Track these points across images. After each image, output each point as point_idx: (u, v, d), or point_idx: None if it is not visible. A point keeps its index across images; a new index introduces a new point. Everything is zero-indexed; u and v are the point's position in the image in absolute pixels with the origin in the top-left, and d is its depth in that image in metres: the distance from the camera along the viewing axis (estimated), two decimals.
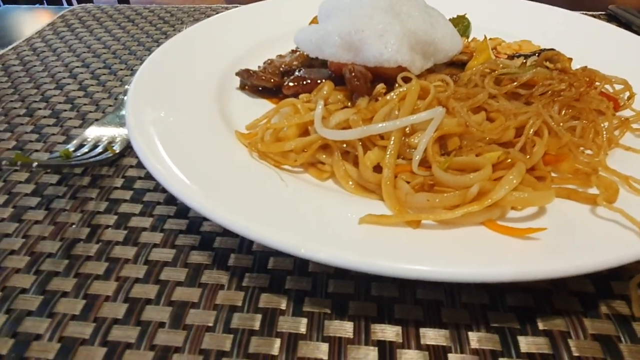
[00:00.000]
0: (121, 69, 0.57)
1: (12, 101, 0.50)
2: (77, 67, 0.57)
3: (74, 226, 0.34)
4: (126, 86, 0.50)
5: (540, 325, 0.27)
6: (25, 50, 0.61)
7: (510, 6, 0.61)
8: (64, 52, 0.61)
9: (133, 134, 0.35)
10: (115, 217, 0.35)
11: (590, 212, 0.29)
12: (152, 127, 0.36)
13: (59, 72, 0.56)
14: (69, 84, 0.53)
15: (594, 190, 0.31)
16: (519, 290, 0.28)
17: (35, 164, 0.35)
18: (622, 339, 0.26)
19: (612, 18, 0.69)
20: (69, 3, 4.27)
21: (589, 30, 0.54)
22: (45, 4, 3.86)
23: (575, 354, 0.25)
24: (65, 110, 0.48)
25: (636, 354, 0.25)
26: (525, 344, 0.26)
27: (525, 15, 0.59)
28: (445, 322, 0.27)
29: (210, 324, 0.27)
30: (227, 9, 0.75)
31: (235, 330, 0.27)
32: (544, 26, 0.56)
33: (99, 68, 0.57)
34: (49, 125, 0.46)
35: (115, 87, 0.53)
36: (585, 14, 0.70)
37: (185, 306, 0.28)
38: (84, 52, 0.61)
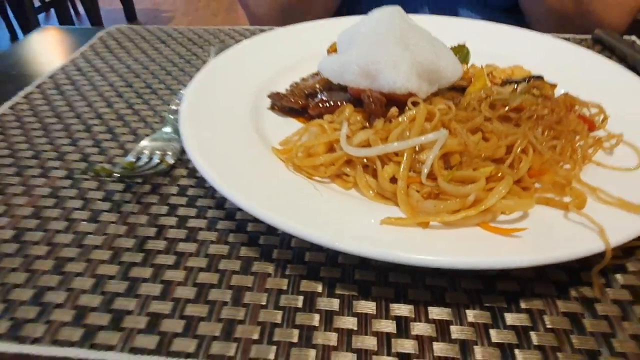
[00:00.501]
0: (160, 89, 0.64)
1: (69, 118, 0.58)
2: (121, 86, 0.65)
3: (142, 226, 0.41)
4: (171, 106, 0.57)
5: (523, 305, 0.34)
6: (72, 70, 0.69)
7: (505, 33, 0.68)
8: (107, 71, 0.69)
9: (193, 154, 0.42)
10: (176, 219, 0.42)
11: (564, 216, 0.36)
12: (205, 145, 0.43)
13: (107, 91, 0.63)
14: (117, 102, 0.61)
15: (569, 199, 0.38)
16: (506, 278, 0.36)
17: (115, 174, 0.43)
18: (585, 315, 0.33)
19: (597, 42, 0.77)
20: (76, 12, 4.34)
21: (574, 56, 0.61)
22: (54, 13, 3.91)
23: (549, 326, 0.33)
24: (118, 127, 0.56)
25: (596, 326, 0.32)
26: (510, 319, 0.33)
27: (519, 41, 0.67)
28: (448, 302, 0.34)
29: (263, 303, 0.34)
30: (248, 30, 0.82)
31: (283, 308, 0.34)
32: (534, 52, 0.64)
33: (141, 87, 0.64)
34: (106, 140, 0.53)
35: (158, 105, 0.60)
36: (574, 37, 0.78)
37: (242, 289, 0.35)
38: (125, 72, 0.68)
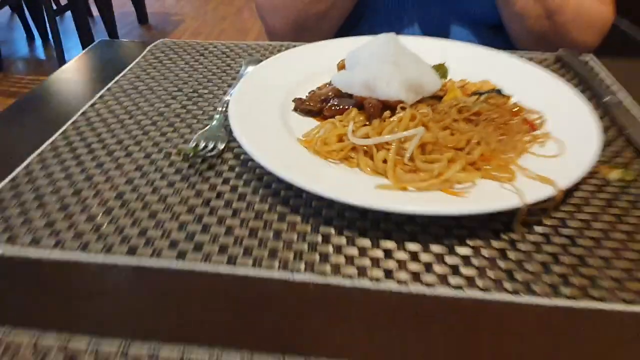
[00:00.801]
0: (205, 93, 0.81)
1: (138, 115, 0.75)
2: (174, 90, 0.82)
3: (206, 191, 0.58)
4: (217, 107, 0.74)
5: (469, 244, 0.51)
6: (132, 77, 0.86)
7: (479, 54, 0.85)
8: (161, 78, 0.86)
9: (242, 141, 0.59)
10: (229, 187, 0.59)
11: (500, 186, 0.53)
12: (249, 135, 0.60)
13: (163, 94, 0.80)
14: (172, 103, 0.78)
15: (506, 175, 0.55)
16: (460, 227, 0.52)
17: (191, 154, 0.60)
18: (510, 250, 0.50)
19: (558, 60, 0.93)
20: (90, 15, 4.50)
21: (530, 74, 0.78)
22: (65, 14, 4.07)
23: (485, 255, 0.49)
24: (177, 122, 0.73)
25: (516, 256, 0.49)
26: (459, 251, 0.50)
27: (490, 61, 0.83)
28: (419, 241, 0.51)
29: (294, 239, 0.51)
30: (271, 45, 0.99)
31: (308, 242, 0.51)
32: (501, 70, 0.80)
33: (189, 92, 0.81)
34: (169, 132, 0.70)
35: (205, 106, 0.77)
36: (538, 56, 0.95)
37: (279, 231, 0.52)
38: (175, 79, 0.85)
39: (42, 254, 0.49)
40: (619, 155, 0.64)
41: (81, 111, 0.75)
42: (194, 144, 0.65)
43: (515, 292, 0.46)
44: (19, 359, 0.39)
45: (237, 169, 0.62)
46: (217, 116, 0.72)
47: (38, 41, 4.22)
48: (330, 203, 0.54)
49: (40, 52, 4.17)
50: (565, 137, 0.62)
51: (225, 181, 0.60)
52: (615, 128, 0.71)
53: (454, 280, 0.47)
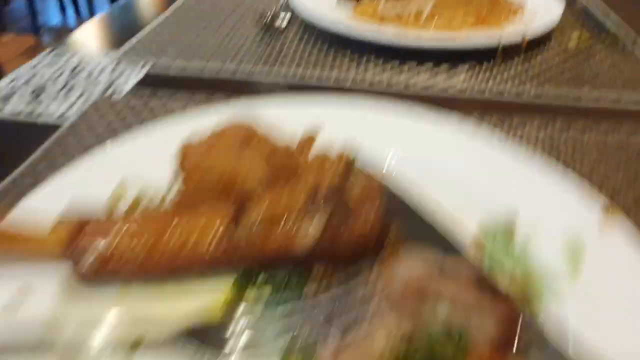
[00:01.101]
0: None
1: (213, 12, 0.99)
2: (232, 8, 1.05)
3: (280, 44, 0.82)
4: (267, 15, 0.98)
5: (467, 68, 0.75)
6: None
7: None
8: None
9: (304, 14, 0.83)
10: (297, 40, 0.83)
11: (489, 31, 0.77)
12: (310, 11, 0.85)
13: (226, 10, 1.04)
14: (241, 4, 1.02)
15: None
16: (462, 60, 0.76)
17: (264, 26, 0.85)
18: (494, 69, 0.74)
19: None
20: None
21: None
22: None
23: (475, 75, 0.73)
24: (249, 13, 0.97)
25: (497, 70, 0.73)
26: (459, 73, 0.74)
27: None
28: (433, 66, 0.75)
29: (344, 65, 0.75)
30: None
31: (332, 65, 0.75)
32: None
33: (244, 12, 1.05)
34: (247, 16, 0.94)
35: (265, 13, 1.01)
36: None
37: (317, 62, 0.77)
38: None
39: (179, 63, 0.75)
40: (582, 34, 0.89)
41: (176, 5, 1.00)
42: (266, 20, 0.90)
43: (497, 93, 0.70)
44: None
45: (297, 35, 0.86)
46: (281, 2, 0.97)
47: (70, 11, 4.45)
48: (370, 47, 0.78)
49: (72, 21, 4.41)
50: (536, 14, 0.86)
51: (292, 42, 0.84)
52: (582, 17, 0.95)
53: (454, 87, 0.71)
